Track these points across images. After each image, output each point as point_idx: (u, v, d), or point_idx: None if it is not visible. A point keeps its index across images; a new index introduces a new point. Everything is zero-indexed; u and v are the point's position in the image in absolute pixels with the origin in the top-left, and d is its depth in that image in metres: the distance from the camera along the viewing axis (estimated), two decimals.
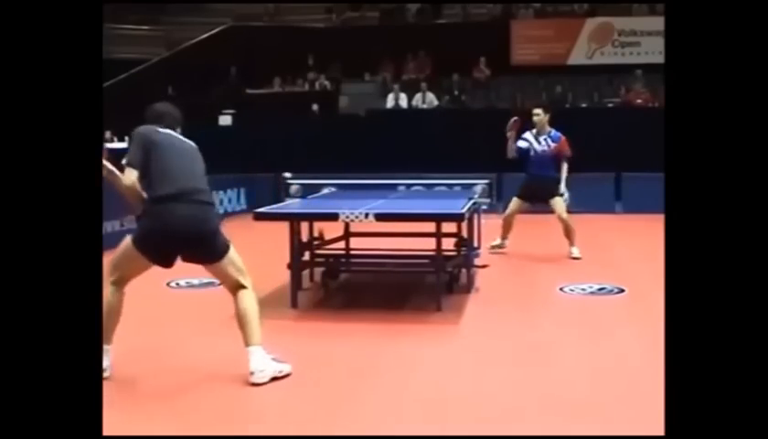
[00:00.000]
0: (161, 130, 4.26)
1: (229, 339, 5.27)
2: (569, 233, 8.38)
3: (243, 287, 4.26)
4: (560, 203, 8.40)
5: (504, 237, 8.72)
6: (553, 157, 8.43)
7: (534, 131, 8.50)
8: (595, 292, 6.70)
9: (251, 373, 4.10)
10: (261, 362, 4.13)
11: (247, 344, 4.18)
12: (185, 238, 4.10)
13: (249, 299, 4.25)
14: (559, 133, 8.49)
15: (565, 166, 8.40)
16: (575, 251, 8.34)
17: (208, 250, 4.19)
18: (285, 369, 4.25)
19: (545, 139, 8.45)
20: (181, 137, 4.35)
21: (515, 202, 8.61)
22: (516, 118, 8.50)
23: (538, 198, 8.49)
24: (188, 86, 16.48)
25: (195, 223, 4.11)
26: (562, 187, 8.35)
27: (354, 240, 7.54)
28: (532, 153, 8.45)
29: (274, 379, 4.15)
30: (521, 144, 8.47)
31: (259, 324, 4.22)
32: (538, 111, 8.54)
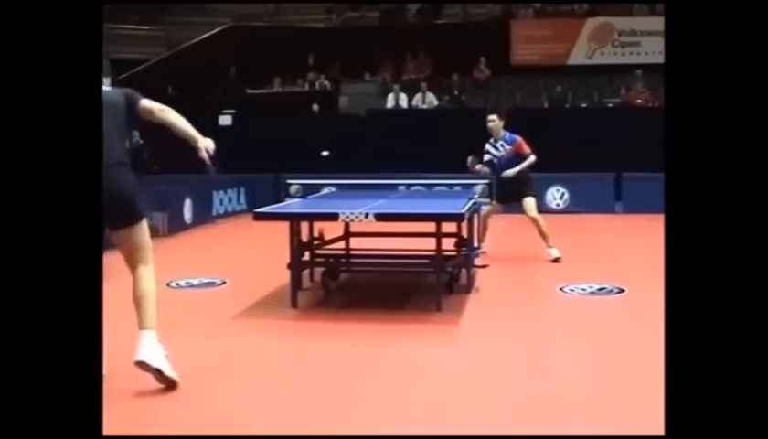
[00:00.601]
0: None
1: (228, 339, 5.28)
2: (542, 233, 8.28)
3: (144, 265, 4.10)
4: (529, 203, 8.32)
5: (480, 240, 8.53)
6: (513, 159, 8.33)
7: (491, 139, 8.46)
8: (595, 292, 6.70)
9: (137, 361, 3.92)
10: (150, 352, 3.94)
11: (141, 326, 4.01)
12: (115, 200, 3.86)
13: (150, 279, 4.10)
14: (514, 136, 8.40)
15: (528, 160, 8.30)
16: (553, 252, 8.18)
17: (127, 210, 4.02)
18: (168, 373, 3.98)
19: (501, 144, 8.40)
20: (107, 89, 4.19)
21: (492, 205, 8.44)
22: (470, 158, 8.44)
23: (511, 199, 8.40)
24: (188, 86, 16.50)
25: (120, 186, 3.94)
26: (510, 172, 8.25)
27: (354, 240, 7.54)
28: (495, 161, 8.41)
29: (156, 372, 3.93)
30: (486, 158, 8.44)
31: (156, 307, 4.06)
32: (492, 117, 8.46)
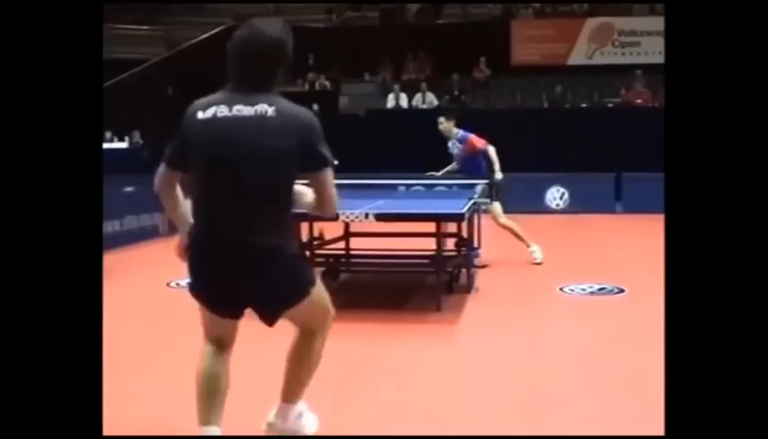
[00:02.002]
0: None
1: None
2: (517, 236, 8.07)
3: (305, 329, 3.48)
4: (494, 209, 8.01)
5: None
6: (470, 157, 8.19)
7: (449, 140, 8.40)
8: (595, 292, 6.70)
9: (269, 424, 3.46)
10: (286, 427, 3.45)
11: (288, 400, 3.44)
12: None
13: (305, 347, 3.48)
14: (465, 134, 8.23)
15: (491, 153, 8.07)
16: (535, 253, 7.98)
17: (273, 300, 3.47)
18: (307, 427, 3.51)
19: (454, 143, 8.33)
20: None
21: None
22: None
23: None
24: (188, 86, 16.46)
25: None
26: (497, 174, 7.98)
27: (354, 240, 7.54)
28: (457, 161, 8.38)
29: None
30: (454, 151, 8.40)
31: (301, 380, 3.47)
32: (441, 119, 8.40)
